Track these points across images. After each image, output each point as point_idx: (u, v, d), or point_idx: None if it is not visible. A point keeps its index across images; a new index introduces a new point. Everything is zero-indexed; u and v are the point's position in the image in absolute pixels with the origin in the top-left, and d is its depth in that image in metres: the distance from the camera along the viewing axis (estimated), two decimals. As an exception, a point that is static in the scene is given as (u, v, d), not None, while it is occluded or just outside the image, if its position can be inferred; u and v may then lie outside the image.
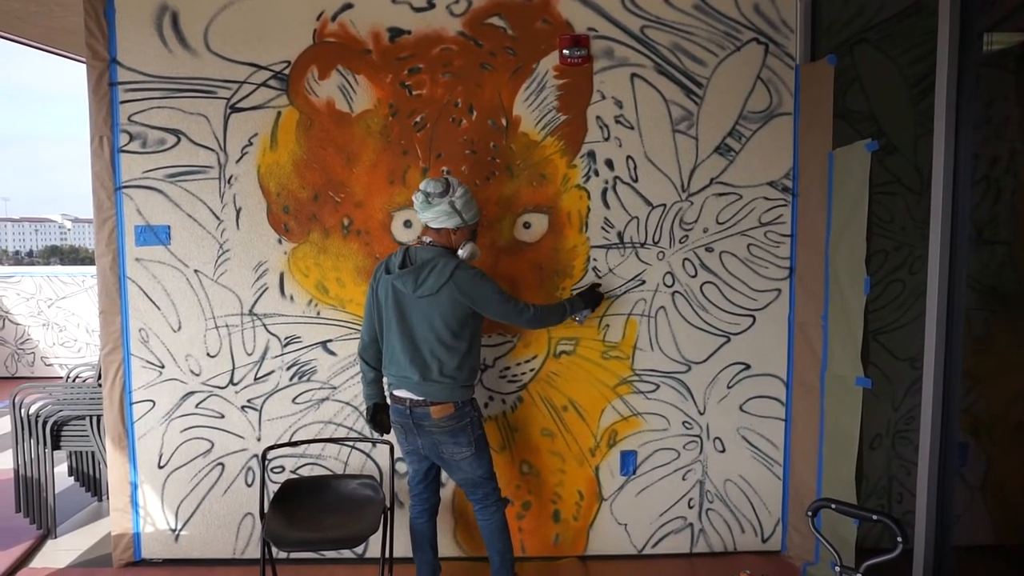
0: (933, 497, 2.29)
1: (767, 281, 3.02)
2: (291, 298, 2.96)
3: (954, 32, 2.15)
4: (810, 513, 1.87)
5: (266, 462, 2.76)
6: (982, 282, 2.28)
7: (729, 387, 3.05)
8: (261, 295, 2.96)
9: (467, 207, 2.47)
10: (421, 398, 2.44)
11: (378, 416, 2.63)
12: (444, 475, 3.02)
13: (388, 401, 2.60)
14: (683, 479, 3.08)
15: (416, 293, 2.40)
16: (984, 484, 2.40)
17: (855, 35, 2.80)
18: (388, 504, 2.66)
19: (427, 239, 2.50)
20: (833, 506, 1.83)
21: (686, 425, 3.06)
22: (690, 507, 3.10)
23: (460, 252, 2.49)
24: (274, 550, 2.61)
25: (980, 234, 2.25)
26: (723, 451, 3.07)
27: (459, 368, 2.45)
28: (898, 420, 2.75)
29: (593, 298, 2.85)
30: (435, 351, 2.42)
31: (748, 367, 3.05)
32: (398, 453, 2.92)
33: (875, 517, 1.73)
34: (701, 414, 3.06)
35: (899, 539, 1.66)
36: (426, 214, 2.45)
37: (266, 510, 2.61)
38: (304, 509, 2.64)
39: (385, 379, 2.61)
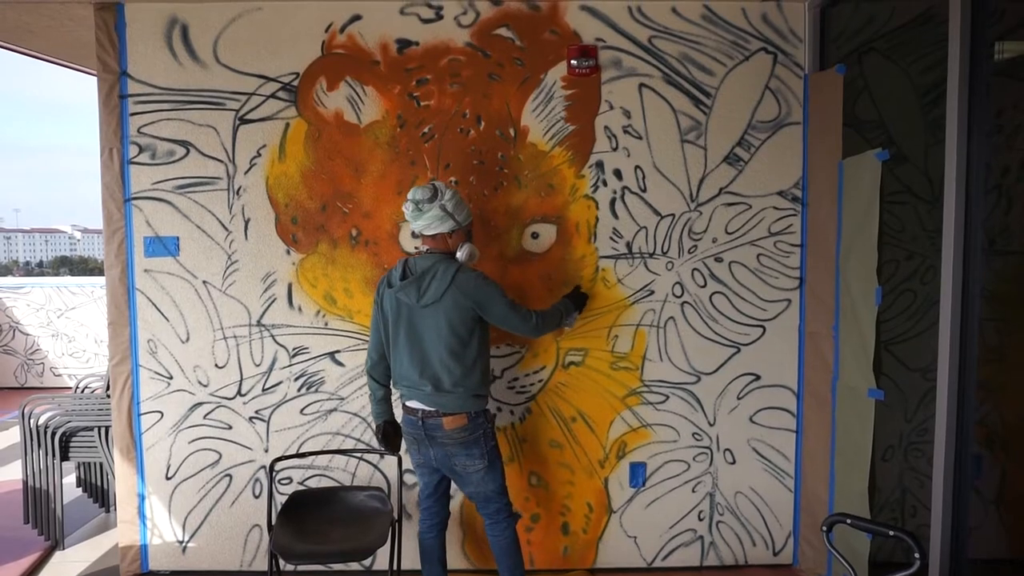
0: (948, 510, 2.26)
1: (777, 291, 3.00)
2: (299, 309, 2.96)
3: (965, 41, 2.14)
4: (825, 528, 1.85)
5: (274, 473, 2.75)
6: (995, 292, 2.25)
7: (739, 398, 3.03)
8: (269, 306, 2.96)
9: (458, 208, 2.45)
10: (433, 409, 2.42)
11: (388, 434, 2.58)
12: (452, 487, 3.00)
13: (400, 415, 2.56)
14: (693, 491, 3.06)
15: (420, 303, 2.38)
16: (999, 497, 2.36)
17: (864, 44, 2.79)
18: (396, 516, 2.64)
19: (424, 248, 2.49)
20: (848, 521, 1.80)
21: (696, 437, 3.03)
22: (700, 520, 3.07)
23: (459, 254, 2.48)
24: (282, 562, 2.60)
25: (992, 244, 2.23)
26: (733, 463, 3.05)
27: (468, 376, 2.43)
28: (911, 432, 2.72)
29: (580, 299, 2.86)
30: (444, 360, 2.40)
31: (758, 378, 3.02)
32: (406, 464, 2.91)
33: (892, 533, 1.71)
34: (711, 425, 3.03)
35: (916, 555, 1.63)
36: (419, 222, 2.43)
37: (273, 522, 2.60)
38: (312, 521, 2.62)
39: (395, 392, 2.59)
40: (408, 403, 2.48)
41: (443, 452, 2.46)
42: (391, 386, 2.59)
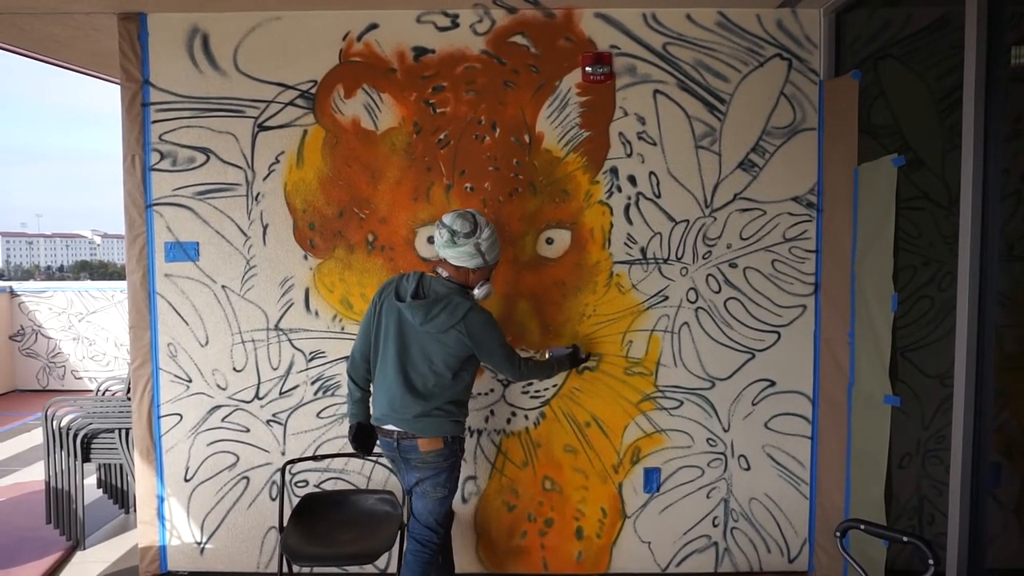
0: (966, 518, 2.24)
1: (792, 297, 2.99)
2: (316, 313, 2.99)
3: (981, 46, 2.12)
4: (838, 534, 1.84)
5: (288, 475, 2.77)
6: (1013, 298, 2.24)
7: (754, 404, 3.02)
8: (287, 310, 3.00)
9: (491, 249, 2.42)
10: (407, 431, 2.39)
11: (360, 436, 2.53)
12: (466, 491, 3.03)
13: (375, 424, 2.52)
14: (707, 497, 3.05)
15: (423, 327, 2.34)
16: (1019, 505, 2.34)
17: (880, 50, 2.78)
18: (405, 520, 2.66)
19: (444, 273, 2.44)
20: (862, 527, 1.80)
21: (710, 442, 3.03)
22: (715, 525, 3.06)
23: (476, 292, 2.45)
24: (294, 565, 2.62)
25: (1011, 249, 2.21)
26: (748, 469, 3.04)
27: (451, 402, 2.41)
28: (928, 439, 2.69)
29: (577, 360, 2.87)
30: (428, 385, 2.38)
31: (773, 384, 3.01)
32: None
33: (905, 539, 1.70)
34: (726, 431, 3.03)
35: (930, 561, 1.62)
36: (448, 251, 2.39)
37: (285, 524, 2.63)
38: (322, 524, 2.65)
39: (372, 409, 2.54)
40: (384, 426, 2.44)
41: (414, 475, 2.44)
42: (369, 390, 2.56)
